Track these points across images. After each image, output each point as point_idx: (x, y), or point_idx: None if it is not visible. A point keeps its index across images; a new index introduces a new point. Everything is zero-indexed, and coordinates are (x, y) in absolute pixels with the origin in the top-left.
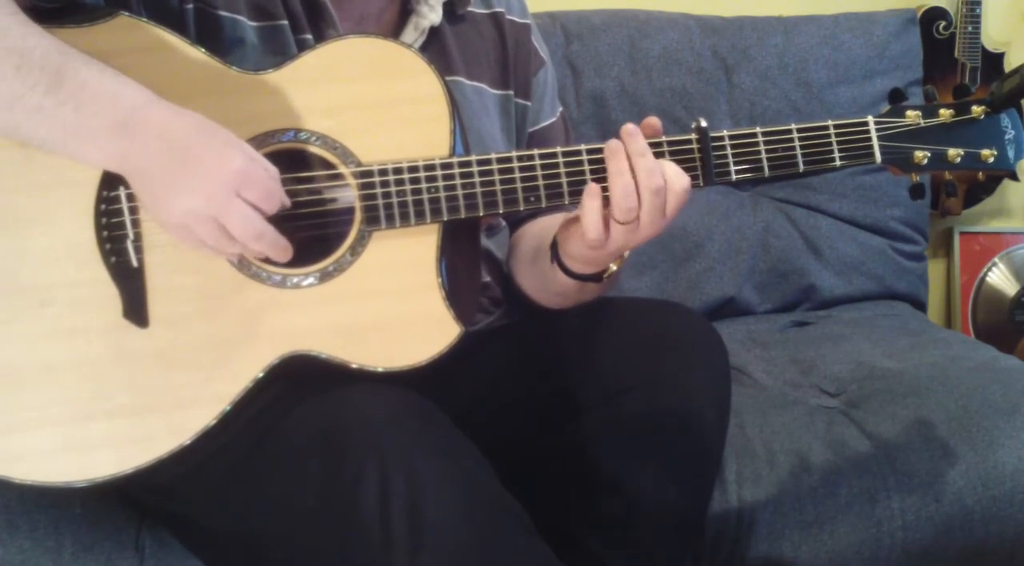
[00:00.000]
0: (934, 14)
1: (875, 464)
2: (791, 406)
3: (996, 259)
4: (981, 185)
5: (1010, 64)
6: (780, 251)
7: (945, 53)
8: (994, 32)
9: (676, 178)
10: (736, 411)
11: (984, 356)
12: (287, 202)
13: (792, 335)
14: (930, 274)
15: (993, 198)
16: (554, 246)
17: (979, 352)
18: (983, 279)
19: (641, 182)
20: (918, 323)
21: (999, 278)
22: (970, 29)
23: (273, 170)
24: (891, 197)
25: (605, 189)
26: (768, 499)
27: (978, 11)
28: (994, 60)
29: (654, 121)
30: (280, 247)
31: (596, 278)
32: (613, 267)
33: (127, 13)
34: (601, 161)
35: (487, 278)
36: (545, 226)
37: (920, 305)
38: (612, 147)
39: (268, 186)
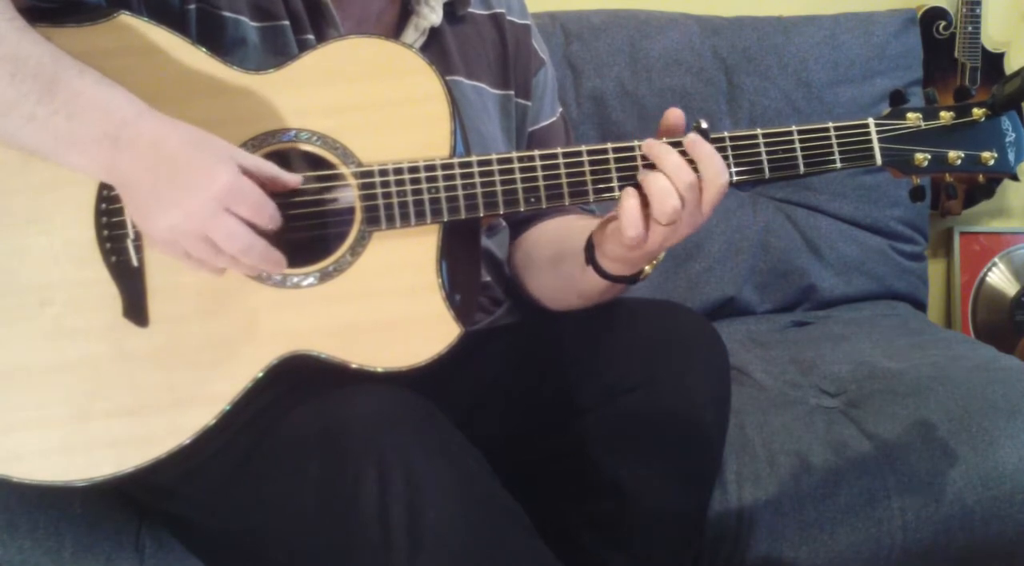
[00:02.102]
0: (934, 14)
1: (875, 464)
2: (791, 406)
3: (996, 259)
4: (980, 188)
5: (1010, 64)
6: (780, 251)
7: (945, 53)
8: (994, 32)
9: (719, 173)
10: (736, 411)
11: (984, 356)
12: (295, 179)
13: (792, 335)
14: (930, 274)
15: (993, 198)
16: (590, 248)
17: (979, 352)
18: (983, 279)
19: (676, 181)
20: (918, 323)
21: (999, 278)
22: (970, 29)
23: (269, 168)
24: (891, 197)
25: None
26: (768, 499)
27: (978, 11)
28: (994, 60)
29: (677, 112)
30: (272, 260)
31: (632, 279)
32: (647, 269)
33: (128, 13)
34: (601, 163)
35: (487, 278)
36: (564, 228)
37: (920, 305)
38: (649, 145)
39: (257, 200)
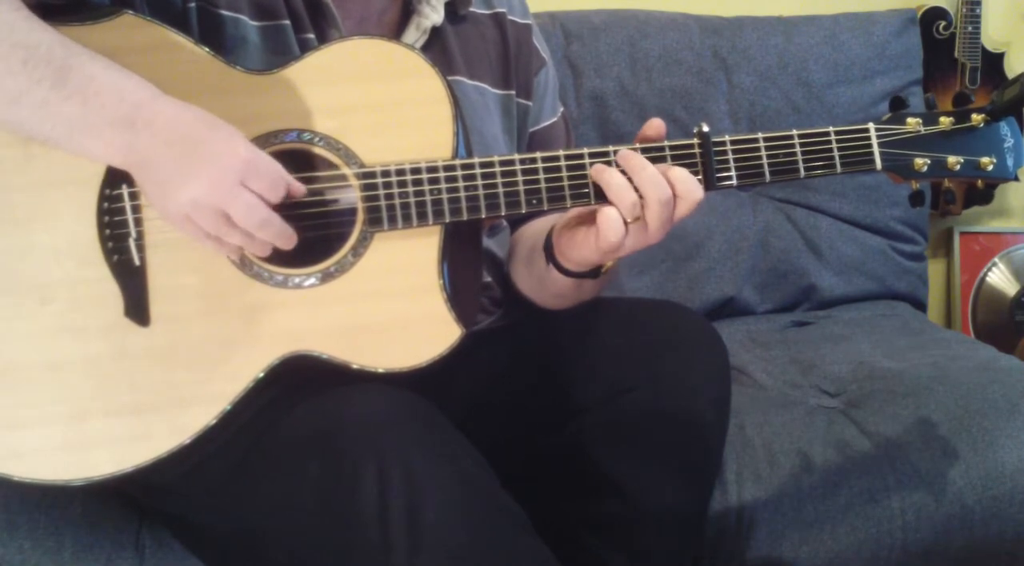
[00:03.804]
0: (934, 14)
1: (875, 464)
2: (791, 406)
3: (996, 259)
4: (979, 194)
5: (1010, 64)
6: (780, 251)
7: (945, 53)
8: (994, 32)
9: (692, 191)
10: (736, 411)
11: (984, 356)
12: (301, 188)
13: (792, 335)
14: (930, 274)
15: (993, 198)
16: (548, 249)
17: (979, 352)
18: (983, 279)
19: (648, 196)
20: (918, 323)
21: (999, 278)
22: (970, 29)
23: (276, 167)
24: (891, 197)
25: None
26: (768, 499)
27: (978, 11)
28: (994, 60)
29: (657, 122)
30: (286, 235)
31: (592, 274)
32: (609, 262)
33: (132, 11)
34: (606, 163)
35: (488, 278)
36: (539, 229)
37: (920, 305)
38: (597, 168)
39: (273, 175)
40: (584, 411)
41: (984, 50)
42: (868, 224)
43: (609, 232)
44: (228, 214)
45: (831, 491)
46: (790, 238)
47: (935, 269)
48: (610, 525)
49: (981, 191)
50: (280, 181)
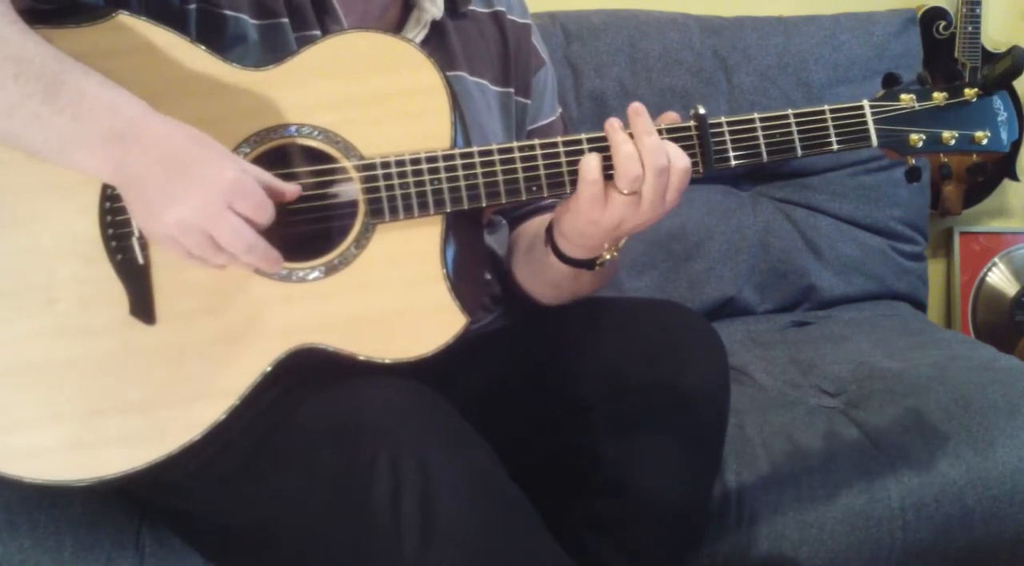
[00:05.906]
0: (934, 14)
1: (875, 464)
2: (791, 406)
3: (996, 259)
4: (978, 192)
5: None
6: (780, 251)
7: (945, 53)
8: (994, 32)
9: (678, 158)
10: (736, 411)
11: (984, 356)
12: (293, 189)
13: (792, 335)
14: (930, 274)
15: (993, 198)
16: (549, 230)
17: (979, 352)
18: (983, 279)
19: (646, 160)
20: (918, 323)
21: (999, 278)
22: (970, 29)
23: (267, 177)
24: (891, 197)
25: (607, 160)
26: (768, 499)
27: (978, 11)
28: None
29: (672, 115)
30: (271, 259)
31: (588, 265)
32: (606, 255)
33: (126, 13)
34: (602, 149)
35: (487, 275)
36: (542, 221)
37: (920, 305)
38: (612, 123)
39: (260, 198)
40: (583, 411)
41: (984, 50)
42: (868, 224)
43: (588, 173)
44: (213, 236)
45: (831, 492)
46: (790, 238)
47: (935, 269)
48: (610, 525)
49: (981, 185)
50: (267, 203)
